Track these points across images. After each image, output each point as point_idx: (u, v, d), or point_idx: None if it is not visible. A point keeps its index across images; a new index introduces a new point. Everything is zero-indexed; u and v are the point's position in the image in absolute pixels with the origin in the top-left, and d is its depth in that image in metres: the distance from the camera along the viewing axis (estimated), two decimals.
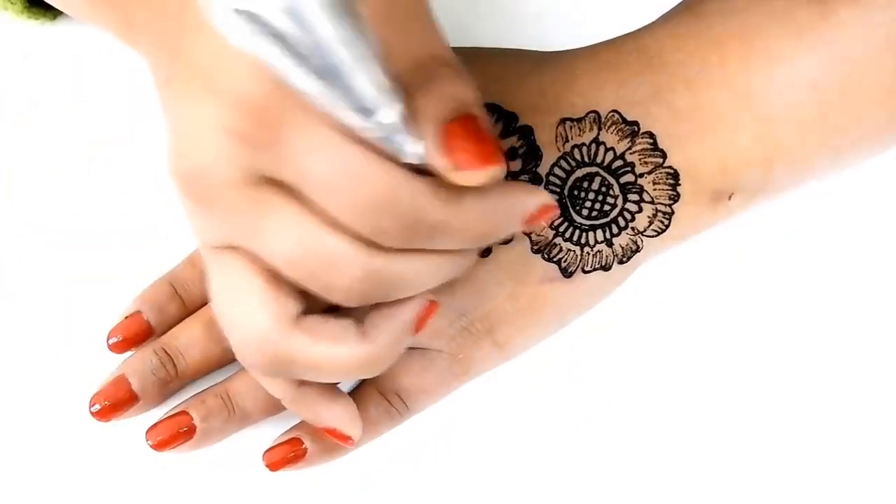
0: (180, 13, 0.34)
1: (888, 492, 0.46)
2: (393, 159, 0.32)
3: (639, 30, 0.43)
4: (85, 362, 0.44)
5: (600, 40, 0.43)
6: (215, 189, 0.33)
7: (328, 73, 0.30)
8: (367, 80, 0.30)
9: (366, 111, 0.31)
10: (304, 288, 0.35)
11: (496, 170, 0.33)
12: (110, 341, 0.44)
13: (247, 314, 0.35)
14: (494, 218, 0.35)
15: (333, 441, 0.42)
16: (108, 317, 0.44)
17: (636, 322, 0.46)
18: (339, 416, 0.40)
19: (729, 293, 0.47)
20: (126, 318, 0.44)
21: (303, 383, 0.39)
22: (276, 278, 0.35)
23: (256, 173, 0.33)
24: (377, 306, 0.37)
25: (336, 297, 0.35)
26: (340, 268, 0.34)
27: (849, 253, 0.48)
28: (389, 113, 0.31)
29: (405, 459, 0.45)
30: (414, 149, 0.33)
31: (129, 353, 0.44)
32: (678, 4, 0.43)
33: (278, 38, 0.28)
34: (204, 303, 0.45)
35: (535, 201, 0.36)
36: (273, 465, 0.43)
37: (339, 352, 0.36)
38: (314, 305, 0.36)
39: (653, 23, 0.43)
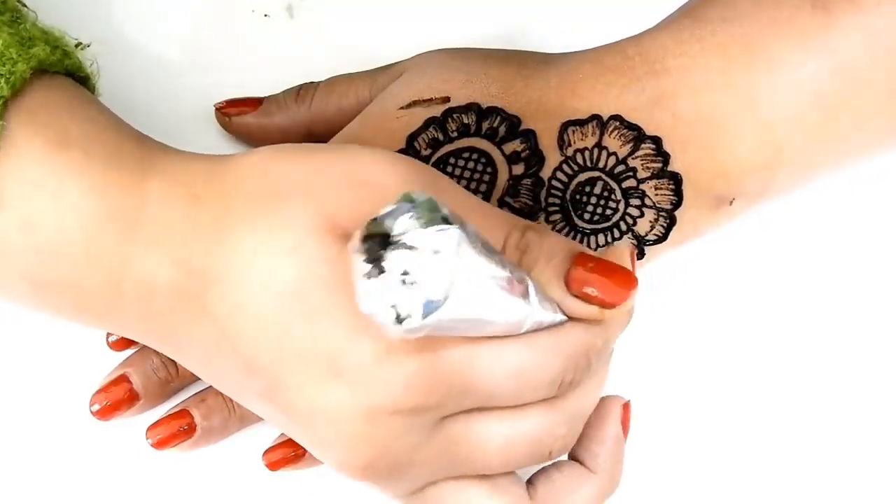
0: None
1: (887, 491, 0.46)
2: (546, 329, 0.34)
3: (641, 34, 0.43)
4: (84, 360, 0.44)
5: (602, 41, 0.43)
6: (404, 458, 0.34)
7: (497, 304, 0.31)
8: (513, 288, 0.32)
9: (520, 312, 0.32)
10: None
11: (634, 288, 0.34)
12: (110, 339, 0.44)
13: None
14: (630, 304, 0.36)
15: None
16: None
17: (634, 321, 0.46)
18: None
19: (727, 292, 0.47)
20: None
21: None
22: (489, 477, 0.36)
23: (439, 420, 0.34)
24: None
25: (557, 454, 0.37)
26: (551, 434, 0.36)
27: (848, 251, 0.48)
28: (533, 299, 0.32)
29: None
30: (555, 317, 0.34)
31: (128, 351, 0.44)
32: (679, 9, 0.43)
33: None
34: None
35: (627, 264, 0.36)
36: (272, 465, 0.43)
37: (583, 493, 0.38)
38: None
39: (655, 27, 0.43)
